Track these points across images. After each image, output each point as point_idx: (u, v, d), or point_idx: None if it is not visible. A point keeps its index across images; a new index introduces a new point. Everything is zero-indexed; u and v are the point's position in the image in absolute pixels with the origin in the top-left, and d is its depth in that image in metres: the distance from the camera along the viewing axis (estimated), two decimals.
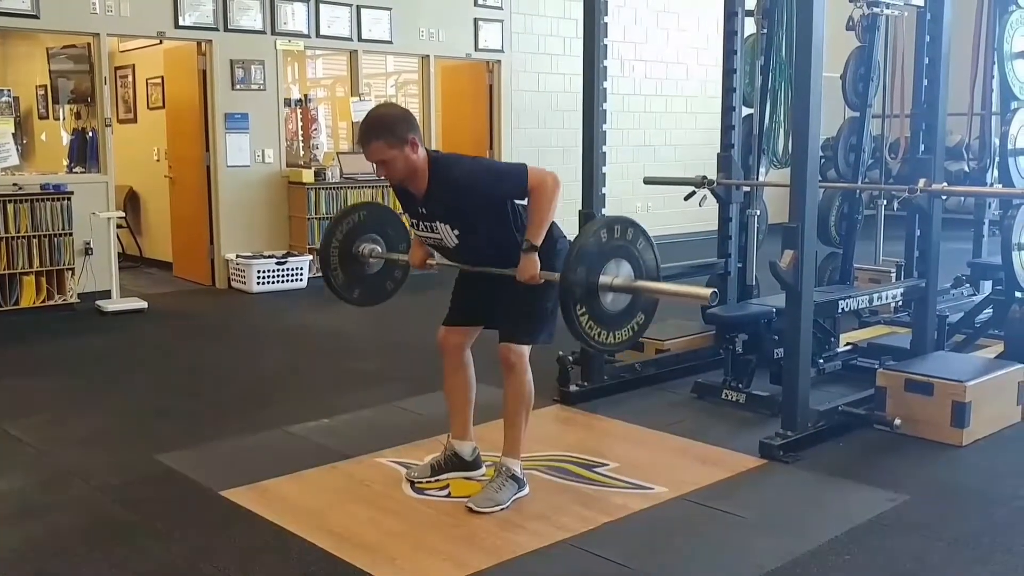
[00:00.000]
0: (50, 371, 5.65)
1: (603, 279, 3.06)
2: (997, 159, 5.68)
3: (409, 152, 3.25)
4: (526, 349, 3.43)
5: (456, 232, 3.36)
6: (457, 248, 3.42)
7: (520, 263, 3.26)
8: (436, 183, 3.31)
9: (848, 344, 5.24)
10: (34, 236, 7.00)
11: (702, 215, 6.46)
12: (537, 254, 3.25)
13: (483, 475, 3.71)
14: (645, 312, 3.21)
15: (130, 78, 9.76)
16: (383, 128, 3.24)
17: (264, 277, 8.12)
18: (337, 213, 3.85)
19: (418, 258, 3.68)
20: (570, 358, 4.81)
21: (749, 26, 5.67)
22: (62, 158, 8.86)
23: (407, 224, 3.64)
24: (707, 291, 2.99)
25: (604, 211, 4.85)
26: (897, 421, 4.13)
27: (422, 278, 4.12)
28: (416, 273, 3.84)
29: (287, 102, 8.84)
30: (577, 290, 3.02)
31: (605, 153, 4.86)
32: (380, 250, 3.84)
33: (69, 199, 7.17)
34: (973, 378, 4.22)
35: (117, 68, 9.63)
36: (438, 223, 3.37)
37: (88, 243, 7.47)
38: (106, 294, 7.39)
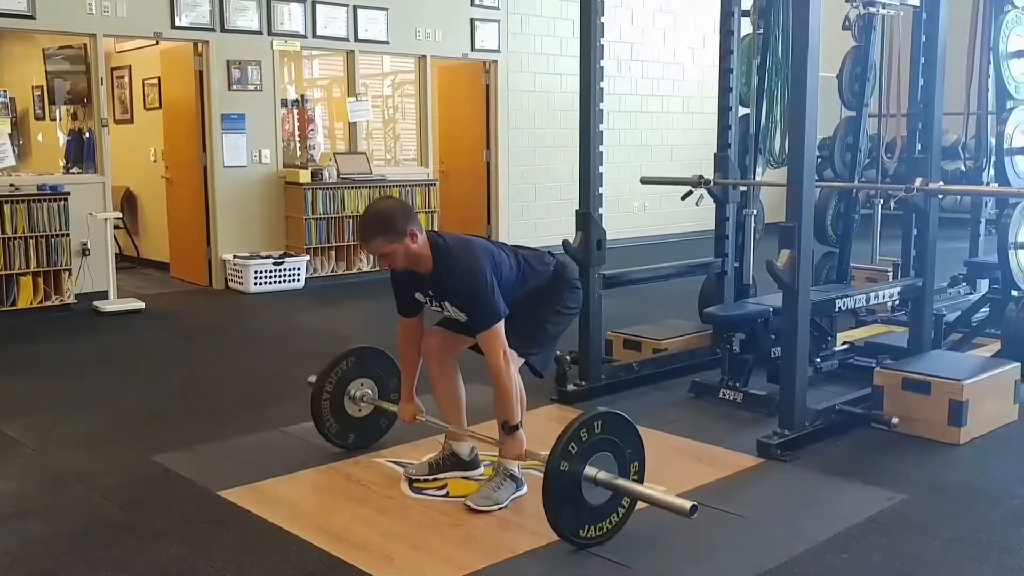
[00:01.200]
0: (47, 372, 5.64)
1: (588, 471, 3.06)
2: (993, 158, 5.70)
3: (409, 243, 3.29)
4: (518, 358, 3.46)
5: (463, 312, 3.42)
6: (468, 324, 3.45)
7: (505, 445, 3.40)
8: (438, 271, 3.36)
9: (845, 343, 5.25)
10: (31, 237, 7.00)
11: (699, 215, 6.47)
12: (520, 431, 3.36)
13: (481, 474, 3.72)
14: (625, 506, 3.20)
15: (126, 79, 9.75)
16: (381, 224, 3.28)
17: (261, 277, 8.12)
18: (326, 363, 3.94)
19: (408, 413, 3.76)
20: (568, 357, 4.81)
21: (745, 26, 5.67)
22: (59, 159, 8.85)
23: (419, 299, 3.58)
24: (687, 504, 2.97)
25: (601, 211, 4.85)
26: (894, 420, 4.14)
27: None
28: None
29: (284, 102, 8.83)
30: (562, 478, 3.02)
31: (602, 153, 4.85)
32: (371, 394, 3.98)
33: (66, 200, 7.17)
34: (970, 377, 4.23)
35: (113, 69, 9.62)
36: (446, 303, 3.44)
37: (85, 244, 7.46)
38: (103, 295, 7.39)
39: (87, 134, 8.22)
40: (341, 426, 3.99)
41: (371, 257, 8.88)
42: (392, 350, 3.93)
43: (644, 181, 6.47)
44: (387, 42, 9.18)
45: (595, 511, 3.11)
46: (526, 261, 3.53)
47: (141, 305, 7.38)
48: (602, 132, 4.84)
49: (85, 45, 7.85)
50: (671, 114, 11.73)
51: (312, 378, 3.95)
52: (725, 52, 5.53)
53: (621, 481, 3.12)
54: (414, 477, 3.71)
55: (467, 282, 3.30)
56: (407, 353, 3.68)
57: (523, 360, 3.49)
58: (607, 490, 3.11)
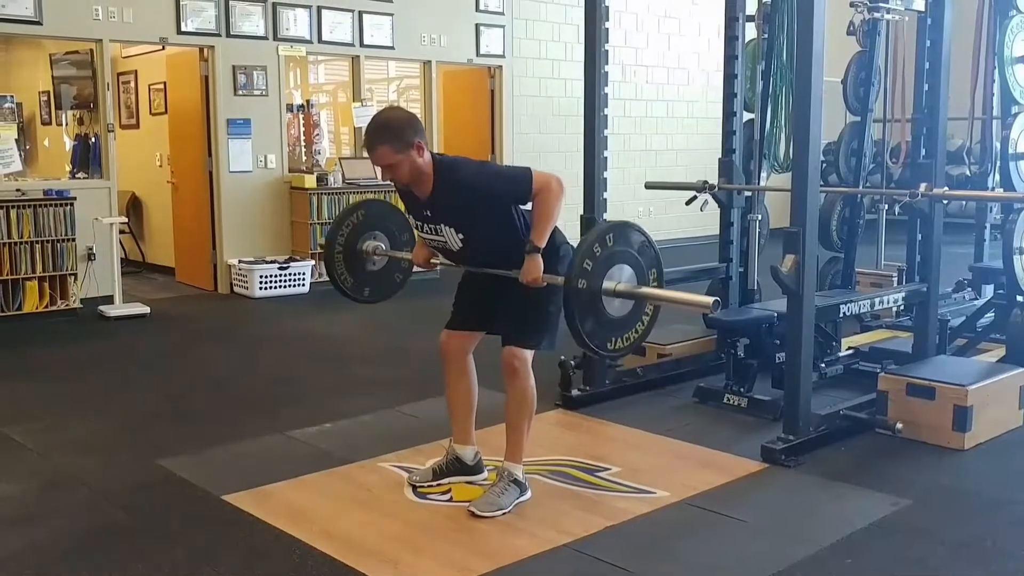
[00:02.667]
0: (52, 376, 5.66)
1: (607, 285, 3.05)
2: (998, 163, 5.69)
3: (415, 156, 3.25)
4: (529, 354, 3.43)
5: (460, 236, 3.37)
6: (461, 252, 3.43)
7: (524, 265, 3.26)
8: (441, 186, 3.31)
9: (850, 348, 5.24)
10: (37, 242, 7.02)
11: (703, 220, 6.47)
12: (540, 256, 3.25)
13: (485, 479, 3.71)
14: (650, 313, 3.19)
15: (132, 84, 9.79)
16: (389, 133, 3.23)
17: (266, 282, 8.13)
18: (336, 216, 3.81)
19: (422, 256, 3.68)
20: (572, 362, 4.81)
21: (750, 31, 5.68)
22: (65, 164, 8.89)
23: (412, 224, 3.60)
24: (709, 300, 3.00)
25: (605, 216, 4.86)
26: (899, 425, 4.13)
27: (423, 284, 4.13)
28: (418, 273, 3.83)
29: (289, 107, 8.87)
30: (582, 296, 3.01)
31: (606, 158, 4.86)
32: (384, 247, 3.84)
33: (72, 205, 7.19)
34: (975, 382, 4.22)
35: (120, 74, 9.65)
36: (443, 226, 3.38)
37: (91, 248, 7.49)
38: (108, 299, 7.40)
39: (93, 139, 8.26)
40: (356, 281, 3.86)
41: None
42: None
43: (649, 186, 6.47)
44: (392, 47, 9.20)
45: (619, 322, 3.10)
46: (525, 221, 3.43)
47: (146, 310, 7.39)
48: (606, 137, 4.85)
49: (91, 51, 7.88)
50: (675, 119, 11.74)
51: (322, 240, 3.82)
52: (729, 57, 5.53)
53: (642, 288, 3.10)
54: (418, 484, 3.71)
55: (477, 180, 3.26)
56: None
57: (533, 352, 3.45)
58: (629, 300, 3.09)
